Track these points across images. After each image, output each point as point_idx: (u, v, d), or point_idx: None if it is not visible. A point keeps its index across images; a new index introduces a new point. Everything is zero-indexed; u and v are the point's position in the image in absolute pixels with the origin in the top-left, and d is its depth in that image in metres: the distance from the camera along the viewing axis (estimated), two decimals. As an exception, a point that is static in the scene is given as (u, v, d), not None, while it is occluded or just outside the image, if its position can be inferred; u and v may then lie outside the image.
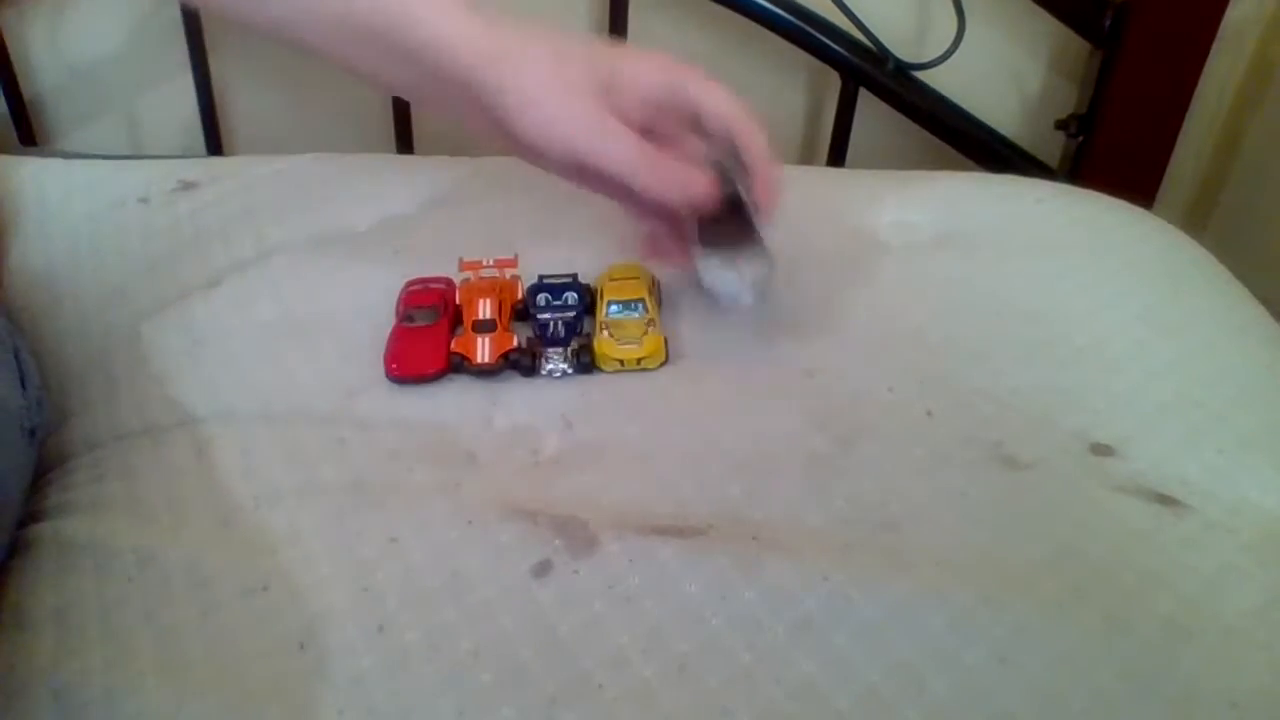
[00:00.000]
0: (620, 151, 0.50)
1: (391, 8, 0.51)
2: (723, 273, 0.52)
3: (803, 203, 0.60)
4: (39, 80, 0.95)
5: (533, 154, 0.52)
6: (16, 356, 0.50)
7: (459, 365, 0.54)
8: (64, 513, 0.47)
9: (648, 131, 0.52)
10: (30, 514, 0.47)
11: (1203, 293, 0.62)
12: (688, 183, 0.50)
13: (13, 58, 0.91)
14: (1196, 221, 1.03)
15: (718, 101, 0.52)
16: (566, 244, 0.63)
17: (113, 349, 0.57)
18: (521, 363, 0.54)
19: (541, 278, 0.58)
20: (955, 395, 0.53)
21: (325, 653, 0.41)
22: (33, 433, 0.49)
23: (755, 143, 0.52)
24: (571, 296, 0.57)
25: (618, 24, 0.88)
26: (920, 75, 0.90)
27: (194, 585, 0.44)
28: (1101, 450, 0.50)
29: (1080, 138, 0.92)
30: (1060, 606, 0.43)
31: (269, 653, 0.41)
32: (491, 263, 0.59)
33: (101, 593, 0.43)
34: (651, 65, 0.52)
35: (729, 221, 0.51)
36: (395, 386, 0.54)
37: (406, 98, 0.70)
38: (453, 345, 0.54)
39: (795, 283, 0.59)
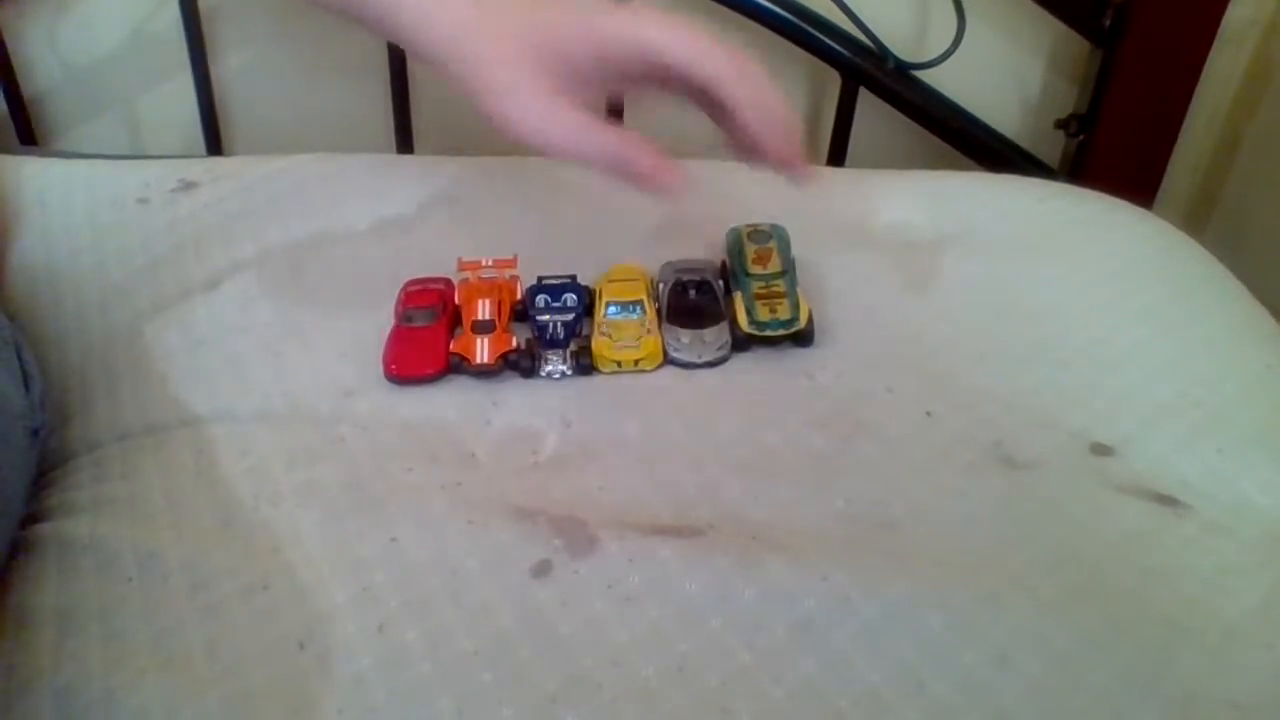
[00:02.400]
0: (571, 147, 0.47)
1: None
2: (689, 344, 0.55)
3: (803, 203, 0.60)
4: (39, 80, 0.94)
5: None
6: (19, 356, 0.50)
7: (458, 366, 0.54)
8: (65, 513, 0.47)
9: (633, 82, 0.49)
10: (32, 514, 0.47)
11: (1203, 292, 0.62)
12: (650, 177, 0.48)
13: (13, 57, 0.91)
14: (1196, 221, 1.03)
15: (669, 38, 0.46)
16: (566, 245, 0.63)
17: (114, 349, 0.57)
18: (521, 364, 0.54)
19: (540, 279, 0.58)
20: (955, 395, 0.53)
21: (325, 653, 0.41)
22: (35, 433, 0.49)
23: (731, 70, 0.46)
24: (570, 298, 0.57)
25: (618, 24, 0.88)
26: (920, 75, 0.90)
27: (194, 585, 0.44)
28: (1101, 450, 0.50)
29: (1080, 137, 0.92)
30: (1060, 606, 0.43)
31: (269, 652, 0.41)
32: (490, 263, 0.59)
33: (102, 592, 0.43)
34: (597, 22, 0.47)
35: (697, 300, 0.56)
36: (395, 386, 0.54)
37: None
38: (452, 346, 0.54)
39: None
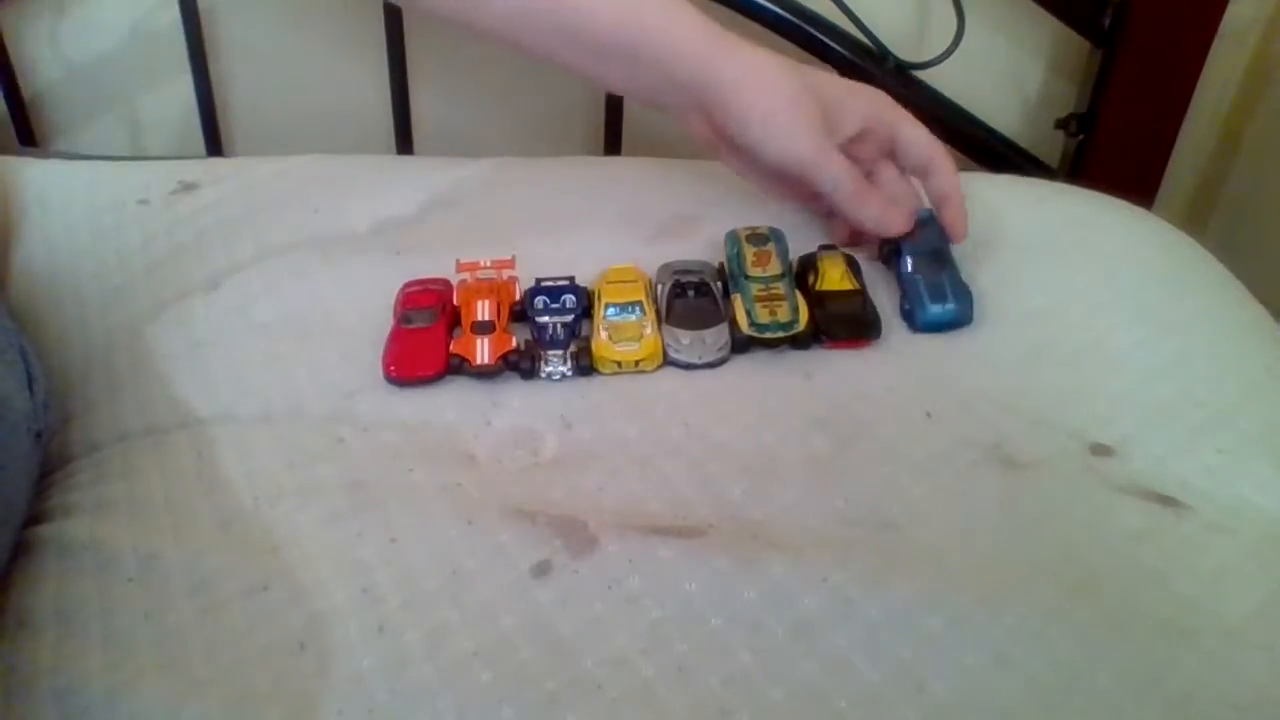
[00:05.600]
0: (838, 176, 0.57)
1: (618, 5, 0.56)
2: (689, 345, 0.55)
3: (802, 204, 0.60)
4: (39, 80, 0.94)
5: (743, 156, 0.59)
6: (24, 359, 0.50)
7: (458, 367, 0.54)
8: (66, 514, 0.47)
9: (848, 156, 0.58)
10: (32, 515, 0.47)
11: (1203, 293, 0.62)
12: (883, 217, 0.59)
13: (13, 57, 0.91)
14: (1196, 221, 1.03)
15: (917, 134, 0.59)
16: (565, 246, 0.63)
17: (114, 350, 0.57)
18: (521, 365, 0.54)
19: (539, 280, 0.58)
20: (955, 395, 0.53)
21: (325, 653, 0.41)
22: (39, 435, 0.49)
23: (948, 172, 0.60)
24: (570, 299, 0.57)
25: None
26: (920, 75, 0.90)
27: (194, 585, 0.44)
28: (1101, 450, 0.50)
29: (1080, 137, 0.92)
30: (1060, 607, 0.43)
31: (269, 653, 0.41)
32: (489, 264, 0.59)
33: (102, 593, 0.43)
34: (861, 95, 0.59)
35: (696, 302, 0.56)
36: (395, 387, 0.54)
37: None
38: (452, 347, 0.54)
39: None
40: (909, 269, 0.58)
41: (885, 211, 0.59)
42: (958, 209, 0.60)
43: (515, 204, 0.68)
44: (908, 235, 0.59)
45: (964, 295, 0.57)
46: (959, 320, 0.57)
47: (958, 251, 0.60)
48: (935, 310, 0.56)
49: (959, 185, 0.60)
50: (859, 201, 0.58)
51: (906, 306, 0.57)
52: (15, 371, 0.48)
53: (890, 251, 0.60)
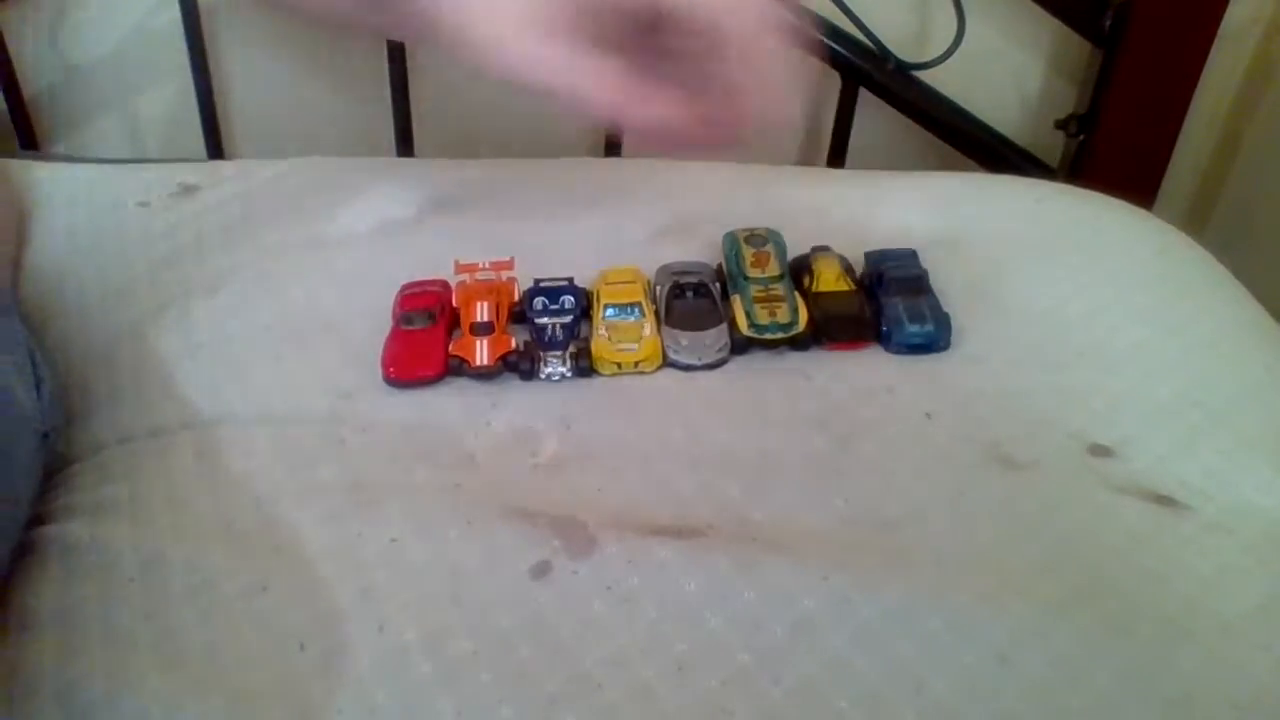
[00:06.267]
0: (595, 93, 0.45)
1: None
2: (689, 346, 0.55)
3: (803, 203, 0.60)
4: (39, 81, 0.95)
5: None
6: (32, 360, 0.50)
7: (458, 368, 0.54)
8: (67, 515, 0.47)
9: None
10: (35, 516, 0.47)
11: (1203, 293, 0.62)
12: (667, 116, 0.46)
13: (13, 58, 0.91)
14: (1196, 221, 1.03)
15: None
16: (562, 248, 0.63)
17: (115, 352, 0.57)
18: (520, 366, 0.54)
19: (538, 281, 0.58)
20: (954, 395, 0.53)
21: (325, 653, 0.41)
22: (45, 436, 0.49)
23: (746, 42, 0.46)
24: (568, 300, 0.57)
25: (617, 25, 0.88)
26: (920, 75, 0.90)
27: (195, 586, 0.44)
28: (1100, 451, 0.51)
29: (1080, 137, 0.92)
30: (1059, 607, 0.43)
31: (269, 653, 0.41)
32: (488, 265, 0.59)
33: (103, 594, 0.43)
34: None
35: (695, 303, 0.56)
36: (394, 389, 0.54)
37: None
38: (451, 348, 0.54)
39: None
40: (888, 292, 0.57)
41: (666, 110, 0.46)
42: (753, 70, 0.47)
43: (515, 204, 0.68)
44: (892, 265, 0.57)
45: (942, 321, 0.56)
46: (934, 343, 0.55)
47: (957, 252, 0.60)
48: (913, 330, 0.55)
49: (758, 38, 0.47)
50: (633, 112, 0.46)
51: (884, 328, 0.56)
52: (24, 372, 0.48)
53: (870, 277, 0.59)
